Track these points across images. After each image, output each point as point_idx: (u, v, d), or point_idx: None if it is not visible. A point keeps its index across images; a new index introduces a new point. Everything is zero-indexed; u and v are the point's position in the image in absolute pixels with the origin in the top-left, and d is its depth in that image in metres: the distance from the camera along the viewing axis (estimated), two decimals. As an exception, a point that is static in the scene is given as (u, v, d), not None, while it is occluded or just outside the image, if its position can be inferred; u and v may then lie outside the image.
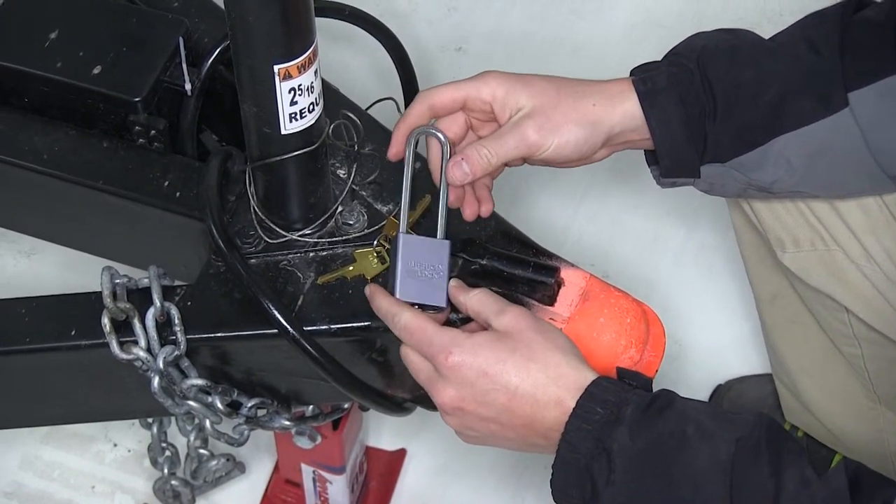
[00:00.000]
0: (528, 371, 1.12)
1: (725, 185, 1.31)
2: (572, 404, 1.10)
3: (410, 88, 1.55)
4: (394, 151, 1.28)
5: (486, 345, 1.14)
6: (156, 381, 1.28)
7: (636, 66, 1.30)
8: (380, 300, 1.21)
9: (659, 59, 1.31)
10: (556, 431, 1.11)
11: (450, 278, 1.22)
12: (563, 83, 1.27)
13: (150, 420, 1.63)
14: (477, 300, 1.19)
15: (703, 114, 1.26)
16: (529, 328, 1.15)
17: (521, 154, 1.25)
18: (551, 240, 1.33)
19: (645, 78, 1.26)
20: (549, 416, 1.12)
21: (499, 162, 1.24)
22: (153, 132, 1.38)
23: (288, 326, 1.22)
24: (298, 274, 1.30)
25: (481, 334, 1.15)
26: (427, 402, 1.34)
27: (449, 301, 1.21)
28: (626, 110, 1.26)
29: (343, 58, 2.23)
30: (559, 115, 1.24)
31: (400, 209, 1.25)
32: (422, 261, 1.22)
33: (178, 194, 1.36)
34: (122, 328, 1.26)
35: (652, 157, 1.30)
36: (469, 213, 1.27)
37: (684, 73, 1.26)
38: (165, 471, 1.68)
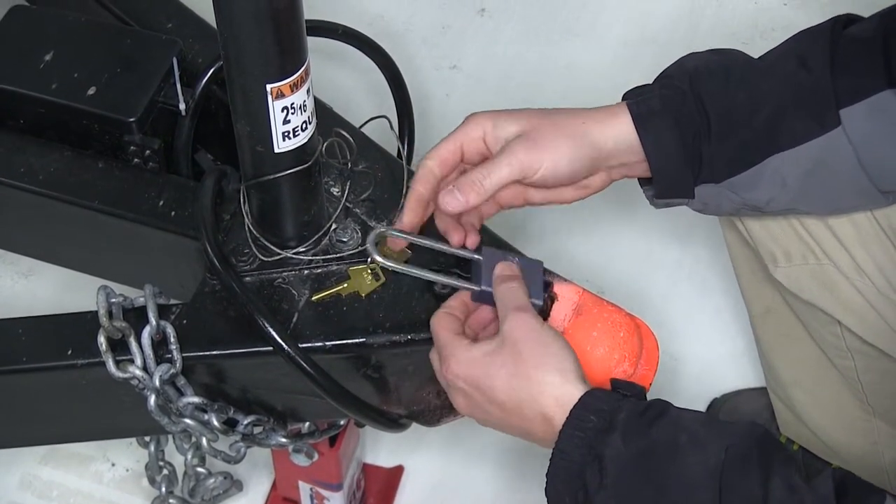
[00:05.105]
0: (512, 389, 1.14)
1: (719, 204, 1.31)
2: (559, 419, 1.11)
3: (404, 106, 1.56)
4: (407, 220, 1.26)
5: (479, 360, 1.16)
6: (152, 399, 1.28)
7: (628, 89, 1.30)
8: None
9: (652, 76, 1.31)
10: (551, 440, 1.12)
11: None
12: (550, 110, 1.28)
13: (147, 439, 1.63)
14: (504, 292, 1.20)
15: (697, 135, 1.26)
16: (526, 339, 1.15)
17: (514, 175, 1.24)
18: (546, 256, 1.33)
19: (639, 101, 1.27)
20: (538, 429, 1.14)
21: (491, 185, 1.23)
22: (148, 152, 1.39)
23: (283, 343, 1.23)
24: (293, 291, 1.30)
25: (479, 347, 1.17)
26: (423, 418, 1.35)
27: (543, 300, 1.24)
28: (619, 129, 1.26)
29: (337, 77, 2.24)
30: (548, 133, 1.25)
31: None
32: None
33: (173, 213, 1.36)
34: (119, 347, 1.27)
35: (644, 178, 1.31)
36: (457, 240, 1.27)
37: (677, 95, 1.26)
38: (163, 490, 1.67)
